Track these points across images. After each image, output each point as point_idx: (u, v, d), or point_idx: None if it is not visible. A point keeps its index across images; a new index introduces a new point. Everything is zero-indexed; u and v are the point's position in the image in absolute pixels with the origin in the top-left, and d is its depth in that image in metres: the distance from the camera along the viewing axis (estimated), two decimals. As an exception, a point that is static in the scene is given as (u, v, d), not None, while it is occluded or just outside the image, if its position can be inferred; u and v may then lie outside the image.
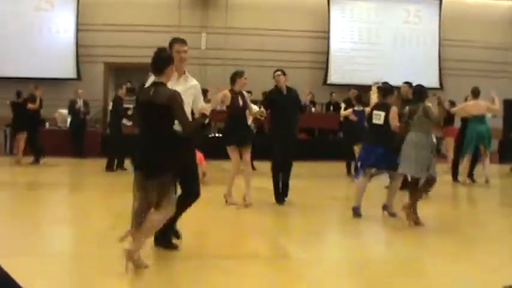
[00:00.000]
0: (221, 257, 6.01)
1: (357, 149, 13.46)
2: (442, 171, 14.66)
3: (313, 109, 19.85)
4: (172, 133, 5.40)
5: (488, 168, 13.55)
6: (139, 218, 5.31)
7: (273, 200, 9.73)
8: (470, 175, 13.85)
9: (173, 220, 6.00)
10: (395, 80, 21.58)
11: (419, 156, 8.01)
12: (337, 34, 22.84)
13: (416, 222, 8.13)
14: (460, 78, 21.78)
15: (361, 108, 13.93)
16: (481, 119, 13.22)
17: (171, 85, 5.61)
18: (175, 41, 6.24)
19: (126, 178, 13.16)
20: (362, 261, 6.27)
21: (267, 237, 7.41)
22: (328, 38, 22.64)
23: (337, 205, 10.44)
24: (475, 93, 13.36)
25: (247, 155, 9.45)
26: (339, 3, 22.89)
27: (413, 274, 5.80)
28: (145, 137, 5.34)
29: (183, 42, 6.21)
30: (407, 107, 8.46)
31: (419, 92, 8.38)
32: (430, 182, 8.24)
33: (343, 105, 14.71)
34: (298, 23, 22.27)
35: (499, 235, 7.96)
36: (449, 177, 13.91)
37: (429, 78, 21.89)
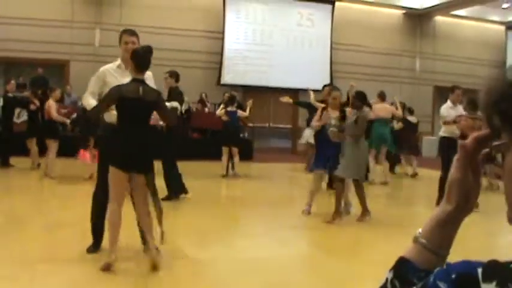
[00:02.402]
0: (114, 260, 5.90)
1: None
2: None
3: (206, 109, 19.84)
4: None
5: (386, 170, 14.16)
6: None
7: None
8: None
9: None
10: (288, 82, 22.41)
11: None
12: (231, 35, 22.94)
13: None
14: (350, 81, 22.29)
15: (234, 109, 14.24)
16: (385, 121, 13.74)
17: (119, 77, 5.96)
18: (124, 32, 6.41)
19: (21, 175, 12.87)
20: (258, 260, 6.40)
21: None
22: (222, 39, 22.70)
23: (232, 204, 10.55)
24: (382, 97, 13.95)
25: None
26: (234, 4, 22.99)
27: (306, 271, 6.03)
28: (134, 133, 5.51)
29: (131, 33, 6.34)
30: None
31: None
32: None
33: (221, 106, 14.85)
34: (194, 22, 22.21)
35: (390, 235, 8.22)
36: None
37: (321, 80, 22.44)
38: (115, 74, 6.14)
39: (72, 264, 5.77)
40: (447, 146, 10.27)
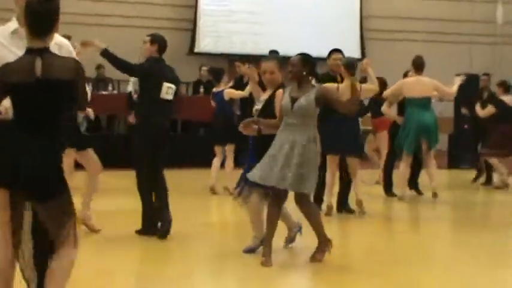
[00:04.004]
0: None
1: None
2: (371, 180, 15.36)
3: (176, 91, 19.53)
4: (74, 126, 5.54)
5: (436, 176, 13.73)
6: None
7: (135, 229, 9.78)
8: (414, 184, 14.25)
9: None
10: (295, 48, 21.83)
11: None
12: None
13: None
14: (390, 45, 22.75)
15: (220, 88, 14.05)
16: (424, 103, 13.23)
17: (16, 49, 5.51)
18: None
19: None
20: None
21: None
22: (197, -16, 22.67)
23: (212, 234, 10.60)
24: (418, 66, 13.37)
25: None
26: None
27: None
28: (30, 136, 5.10)
29: None
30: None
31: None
32: None
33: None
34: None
35: (450, 275, 8.16)
36: (380, 189, 14.30)
37: (346, 45, 22.09)
38: (8, 44, 5.71)
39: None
40: None
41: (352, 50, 21.57)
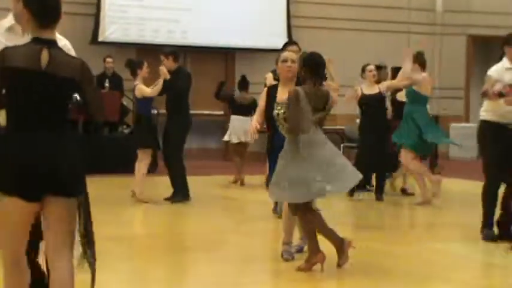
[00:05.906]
0: None
1: None
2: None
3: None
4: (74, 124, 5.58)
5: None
6: None
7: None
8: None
9: None
10: (216, 37, 21.77)
11: None
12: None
13: None
14: (318, 33, 22.55)
15: (136, 83, 14.07)
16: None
17: (11, 43, 5.69)
18: None
19: None
20: None
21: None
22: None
23: (116, 250, 10.28)
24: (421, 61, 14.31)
25: None
26: None
27: None
28: (37, 132, 5.24)
29: None
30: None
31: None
32: None
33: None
34: None
35: None
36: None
37: (272, 34, 22.05)
38: (5, 41, 5.95)
39: None
40: (493, 138, 10.27)
41: (278, 40, 21.61)
